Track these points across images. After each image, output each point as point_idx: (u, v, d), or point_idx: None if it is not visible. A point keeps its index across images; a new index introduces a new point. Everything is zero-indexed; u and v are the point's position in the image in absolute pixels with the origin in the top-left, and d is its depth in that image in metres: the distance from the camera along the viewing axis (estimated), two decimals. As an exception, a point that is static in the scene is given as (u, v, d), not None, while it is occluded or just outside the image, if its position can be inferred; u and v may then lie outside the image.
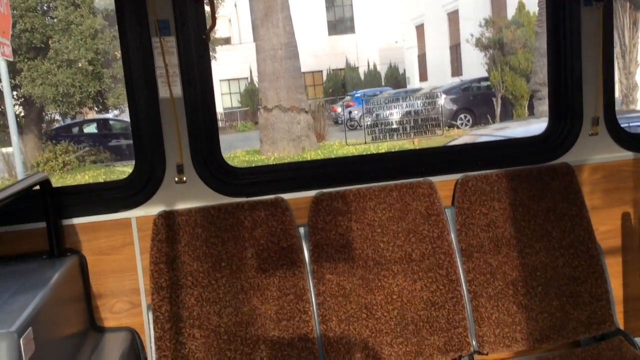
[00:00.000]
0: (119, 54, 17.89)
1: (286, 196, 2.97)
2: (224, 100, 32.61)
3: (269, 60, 16.80)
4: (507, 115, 19.90)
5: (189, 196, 2.93)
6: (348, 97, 26.33)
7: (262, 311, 2.86)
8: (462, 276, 3.01)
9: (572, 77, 3.18)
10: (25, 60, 18.20)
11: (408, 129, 3.39)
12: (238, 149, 18.16)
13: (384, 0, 33.73)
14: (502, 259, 3.05)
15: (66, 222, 2.84)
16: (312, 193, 3.00)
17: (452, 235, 3.04)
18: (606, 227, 3.27)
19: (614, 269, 3.23)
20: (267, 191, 2.99)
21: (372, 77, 33.04)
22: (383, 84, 32.17)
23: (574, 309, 3.06)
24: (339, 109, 24.21)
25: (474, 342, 2.97)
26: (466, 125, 19.79)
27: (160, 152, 2.88)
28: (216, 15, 2.81)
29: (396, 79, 32.90)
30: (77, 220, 2.85)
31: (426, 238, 3.00)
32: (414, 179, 3.07)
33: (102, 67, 18.95)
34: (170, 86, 2.82)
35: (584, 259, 3.10)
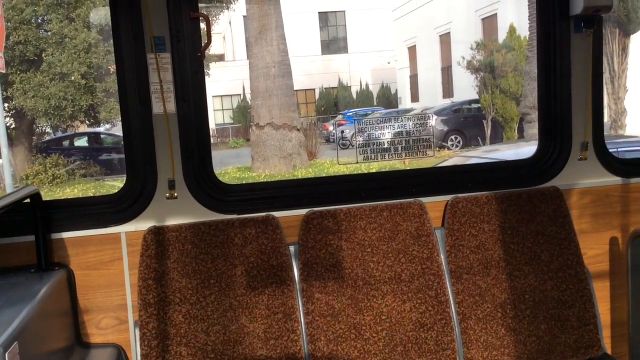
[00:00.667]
0: (112, 68, 17.91)
1: (277, 214, 2.98)
2: (216, 116, 32.66)
3: (262, 78, 16.93)
4: (497, 137, 20.06)
5: (179, 212, 2.93)
6: (340, 116, 26.45)
7: (251, 330, 2.84)
8: (451, 298, 3.01)
9: (561, 102, 3.22)
10: (18, 72, 18.20)
11: (400, 149, 3.41)
12: (229, 166, 18.14)
13: (378, 21, 34.06)
14: (491, 281, 3.06)
15: (55, 235, 2.82)
16: (303, 211, 3.00)
17: (442, 257, 3.05)
18: (594, 251, 3.29)
19: (601, 293, 3.24)
20: (258, 209, 2.99)
21: (364, 96, 33.24)
22: (375, 103, 32.37)
23: (561, 332, 3.06)
24: (331, 127, 24.27)
25: None
26: (456, 146, 19.92)
27: (152, 167, 2.88)
28: (211, 32, 2.82)
29: (388, 98, 33.09)
30: (66, 234, 2.83)
31: (416, 259, 3.01)
32: (404, 200, 3.08)
33: (94, 81, 18.98)
34: (164, 102, 2.83)
35: (572, 282, 3.11)
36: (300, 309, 2.90)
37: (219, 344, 2.80)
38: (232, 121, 32.07)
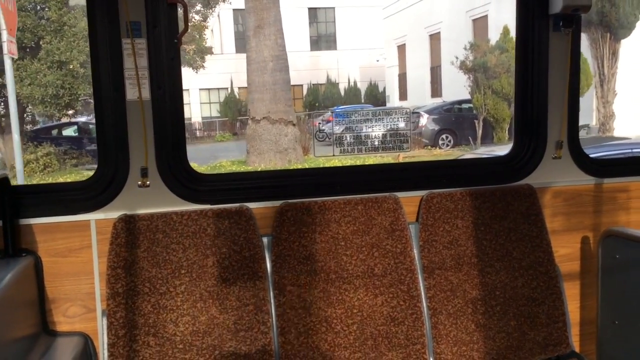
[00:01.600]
0: None
1: (251, 205, 2.95)
2: (202, 109, 32.45)
3: (260, 72, 16.94)
4: (488, 137, 20.29)
5: (151, 201, 2.89)
6: (329, 113, 26.47)
7: (221, 321, 2.82)
8: (422, 292, 3.02)
9: (538, 100, 3.23)
10: (14, 59, 17.96)
11: (376, 143, 3.40)
12: (221, 159, 18.06)
13: (367, 19, 34.04)
14: (463, 277, 3.07)
15: (23, 221, 2.76)
16: (277, 203, 2.98)
17: (415, 251, 3.05)
18: (566, 250, 3.32)
19: (571, 291, 3.28)
20: (231, 199, 2.96)
21: (352, 94, 33.24)
22: (362, 101, 32.41)
23: (531, 329, 3.09)
24: (318, 124, 24.40)
25: (431, 359, 2.98)
26: (447, 145, 20.09)
27: (125, 155, 2.83)
28: (189, 20, 2.78)
29: (375, 96, 33.12)
30: (34, 221, 2.78)
31: (389, 253, 3.01)
32: (379, 194, 3.08)
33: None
34: (139, 88, 2.78)
35: (542, 280, 3.14)
36: (272, 301, 2.88)
37: (187, 335, 2.78)
38: (219, 115, 31.91)
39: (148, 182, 2.87)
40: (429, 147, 19.07)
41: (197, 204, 2.94)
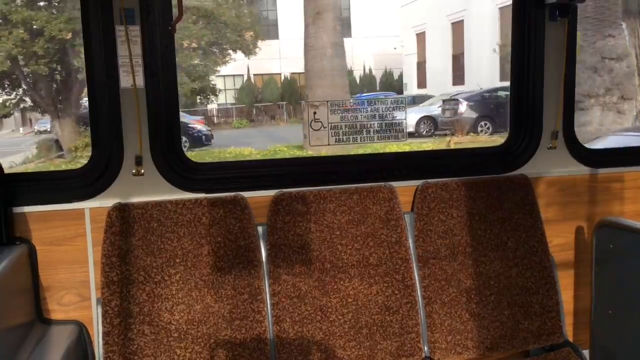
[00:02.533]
0: (185, 44, 18.59)
1: (246, 194, 2.94)
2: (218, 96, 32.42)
3: (318, 58, 17.16)
4: None
5: (146, 189, 2.88)
6: (352, 100, 26.30)
7: (216, 309, 2.82)
8: (417, 282, 3.02)
9: (533, 90, 3.23)
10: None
11: (372, 132, 3.38)
12: (249, 146, 18.11)
13: (383, 6, 33.78)
14: (458, 266, 3.08)
15: (17, 210, 2.75)
16: (272, 192, 2.98)
17: (410, 241, 3.06)
18: (560, 240, 3.33)
19: (565, 281, 3.29)
20: (226, 188, 2.96)
21: (367, 81, 33.04)
22: (377, 89, 32.22)
23: (524, 319, 3.10)
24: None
25: (425, 348, 2.99)
26: (486, 132, 20.16)
27: (119, 143, 2.82)
28: (183, 7, 2.75)
29: (391, 84, 32.92)
30: (28, 209, 2.77)
31: (384, 243, 3.01)
32: (375, 184, 3.08)
33: None
34: (133, 76, 2.76)
35: (536, 270, 3.14)
36: (267, 290, 2.88)
37: (182, 324, 2.78)
38: (234, 101, 31.75)
39: (142, 171, 2.86)
40: (471, 133, 19.21)
41: (192, 193, 2.93)
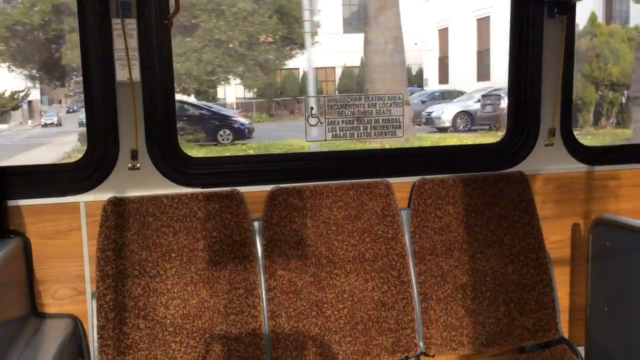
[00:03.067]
0: (262, 38, 18.79)
1: (242, 189, 2.93)
2: (236, 90, 32.28)
3: (380, 53, 17.32)
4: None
5: (141, 183, 2.87)
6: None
7: (211, 304, 2.81)
8: (413, 278, 3.02)
9: (531, 87, 3.22)
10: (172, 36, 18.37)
11: (369, 128, 3.37)
12: (282, 139, 18.15)
13: (404, 2, 33.75)
14: (454, 262, 3.07)
15: (12, 203, 2.74)
16: (268, 187, 2.97)
17: (406, 237, 3.05)
18: (556, 237, 3.33)
19: (561, 278, 3.29)
20: (222, 183, 2.95)
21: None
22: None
23: (520, 315, 3.10)
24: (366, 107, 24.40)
25: (421, 344, 2.99)
26: None
27: (114, 137, 2.80)
28: (180, 0, 2.74)
29: (409, 80, 32.86)
30: (23, 202, 2.75)
31: (380, 238, 3.00)
32: (371, 179, 3.07)
33: (247, 50, 19.05)
34: (130, 69, 2.75)
35: (533, 267, 3.14)
36: (262, 285, 2.88)
37: (177, 318, 2.77)
38: (252, 96, 31.69)
39: (138, 165, 2.85)
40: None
41: (187, 187, 2.92)
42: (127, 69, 2.75)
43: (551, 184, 3.32)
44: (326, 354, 2.88)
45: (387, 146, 3.55)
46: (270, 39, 20.13)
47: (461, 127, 19.24)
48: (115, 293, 2.72)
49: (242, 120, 19.66)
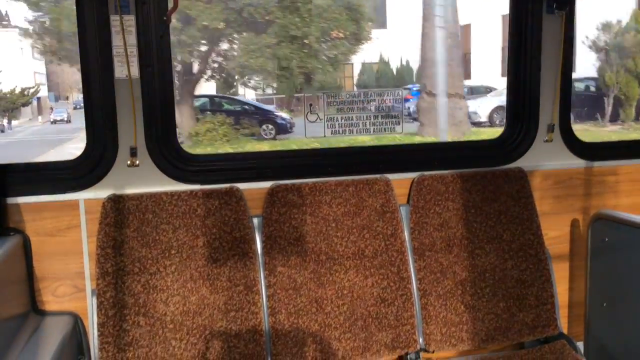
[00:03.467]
0: (334, 34, 19.11)
1: (241, 186, 2.93)
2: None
3: (437, 48, 17.45)
4: (614, 114, 20.65)
5: (141, 181, 2.86)
6: (405, 91, 26.35)
7: (211, 301, 2.81)
8: (413, 274, 3.02)
9: (530, 83, 3.22)
10: (237, 33, 18.77)
11: (368, 124, 3.38)
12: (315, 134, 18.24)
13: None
14: (453, 258, 3.08)
15: (11, 200, 2.74)
16: (268, 184, 2.97)
17: (406, 233, 3.05)
18: (555, 232, 3.33)
19: (560, 274, 3.29)
20: (222, 180, 2.95)
21: (405, 72, 32.82)
22: (414, 80, 32.01)
23: (519, 311, 3.10)
24: (388, 102, 24.46)
25: (420, 340, 2.99)
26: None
27: (113, 134, 2.80)
28: None
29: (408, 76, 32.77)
30: (22, 199, 2.75)
31: (380, 235, 3.01)
32: (370, 176, 3.07)
33: (320, 45, 19.54)
34: (129, 66, 2.75)
35: (532, 262, 3.15)
36: (262, 281, 2.88)
37: (178, 315, 2.77)
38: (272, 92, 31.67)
39: (137, 162, 2.85)
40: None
41: (187, 184, 2.92)
42: (125, 66, 2.75)
43: (550, 179, 3.32)
44: (326, 350, 2.88)
45: (385, 142, 3.55)
46: (341, 35, 20.42)
47: (497, 122, 19.30)
48: (115, 290, 2.72)
49: (284, 115, 19.91)
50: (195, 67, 18.87)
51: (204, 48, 17.83)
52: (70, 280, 2.83)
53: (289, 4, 18.72)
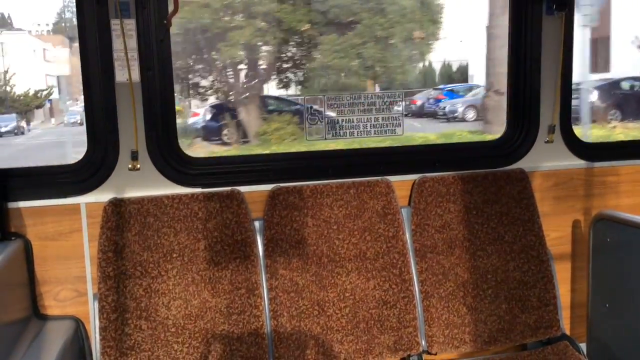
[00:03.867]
0: (416, 34, 19.55)
1: (242, 189, 2.93)
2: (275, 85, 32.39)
3: (505, 48, 17.58)
4: None
5: (142, 184, 2.86)
6: (437, 91, 26.47)
7: (213, 304, 2.81)
8: (414, 276, 3.02)
9: (530, 84, 3.23)
10: (321, 34, 19.08)
11: (369, 127, 3.37)
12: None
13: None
14: (455, 260, 3.07)
15: (12, 205, 2.74)
16: (269, 187, 2.97)
17: (407, 235, 3.05)
18: (557, 233, 3.33)
19: (562, 275, 3.29)
20: (223, 183, 2.95)
21: (427, 73, 32.84)
22: (436, 80, 31.96)
23: (522, 312, 3.10)
24: (419, 102, 24.53)
25: (423, 342, 2.99)
26: (615, 120, 20.44)
27: (114, 138, 2.80)
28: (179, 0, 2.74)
29: (450, 76, 32.70)
30: (23, 204, 2.75)
31: (381, 237, 3.00)
32: (371, 178, 3.07)
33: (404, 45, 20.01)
34: (129, 70, 2.75)
35: (534, 264, 3.14)
36: (264, 284, 2.88)
37: (179, 318, 2.77)
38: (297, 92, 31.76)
39: (138, 166, 2.85)
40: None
41: (188, 188, 2.92)
42: (126, 70, 2.75)
43: (551, 180, 3.32)
44: (328, 353, 2.88)
45: (386, 144, 3.55)
46: (422, 35, 20.76)
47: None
48: (116, 294, 2.72)
49: (333, 114, 20.17)
50: (265, 67, 19.12)
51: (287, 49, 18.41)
52: (71, 284, 2.83)
53: (375, 5, 19.24)
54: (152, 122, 2.83)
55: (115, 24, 2.72)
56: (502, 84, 15.02)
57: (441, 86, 27.25)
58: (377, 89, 22.20)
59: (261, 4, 16.90)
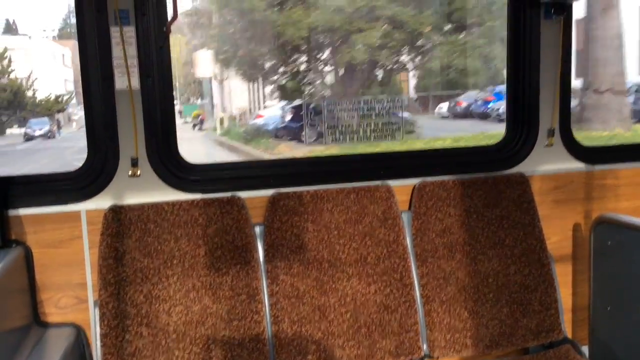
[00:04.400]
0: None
1: (242, 194, 2.94)
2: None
3: (606, 48, 18.02)
4: None
5: (142, 191, 2.87)
6: (485, 93, 26.55)
7: (214, 310, 2.81)
8: (415, 280, 3.02)
9: (530, 88, 3.23)
10: (446, 35, 19.52)
11: (368, 132, 3.39)
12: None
13: None
14: (456, 264, 3.07)
15: (12, 212, 2.74)
16: (269, 192, 2.97)
17: (408, 240, 3.05)
18: (558, 237, 3.33)
19: (564, 278, 3.29)
20: (223, 188, 2.95)
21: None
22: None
23: (523, 316, 3.09)
24: (464, 103, 24.56)
25: (425, 347, 2.98)
26: None
27: (114, 144, 2.81)
28: (177, 8, 2.74)
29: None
30: (24, 211, 2.75)
31: (382, 242, 3.00)
32: (371, 182, 3.07)
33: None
34: (129, 77, 2.76)
35: (535, 267, 3.14)
36: (265, 290, 2.87)
37: (180, 325, 2.77)
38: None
39: (139, 172, 2.85)
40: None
41: (188, 194, 2.92)
42: (126, 77, 2.76)
43: (552, 184, 3.32)
44: (329, 358, 2.87)
45: (386, 149, 3.55)
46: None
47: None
48: (117, 301, 2.72)
49: (406, 114, 20.34)
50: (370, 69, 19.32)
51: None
52: (72, 291, 2.83)
53: (489, 5, 19.70)
54: (152, 128, 2.84)
55: (114, 31, 2.73)
56: (605, 82, 16.47)
57: (490, 87, 27.26)
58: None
59: (386, 7, 17.31)
